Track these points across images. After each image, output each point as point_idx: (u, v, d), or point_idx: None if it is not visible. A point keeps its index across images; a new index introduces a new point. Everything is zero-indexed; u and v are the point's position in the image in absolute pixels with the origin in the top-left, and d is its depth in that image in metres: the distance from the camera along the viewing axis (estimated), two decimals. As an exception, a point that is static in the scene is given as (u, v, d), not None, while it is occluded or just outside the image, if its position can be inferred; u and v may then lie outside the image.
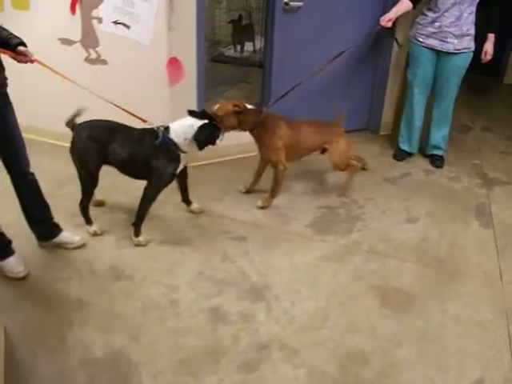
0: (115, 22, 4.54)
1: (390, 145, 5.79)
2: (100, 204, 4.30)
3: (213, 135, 3.77)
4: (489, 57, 4.98)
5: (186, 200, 4.28)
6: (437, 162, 5.42)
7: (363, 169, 5.04)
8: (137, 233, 3.87)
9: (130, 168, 3.79)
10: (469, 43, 4.83)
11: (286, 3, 4.92)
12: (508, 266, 3.86)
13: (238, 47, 8.72)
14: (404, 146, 5.53)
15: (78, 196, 3.89)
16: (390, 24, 4.93)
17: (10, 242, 3.49)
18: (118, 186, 4.18)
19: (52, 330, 3.10)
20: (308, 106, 5.19)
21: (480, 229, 4.35)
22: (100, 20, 4.60)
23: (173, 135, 3.66)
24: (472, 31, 4.79)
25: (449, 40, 4.77)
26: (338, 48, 4.84)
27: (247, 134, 4.22)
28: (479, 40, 4.90)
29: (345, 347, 3.06)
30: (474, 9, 4.70)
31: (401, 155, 5.52)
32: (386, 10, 5.18)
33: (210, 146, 3.80)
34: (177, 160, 3.73)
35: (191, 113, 3.77)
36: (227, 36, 8.87)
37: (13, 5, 4.76)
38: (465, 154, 5.78)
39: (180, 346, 3.01)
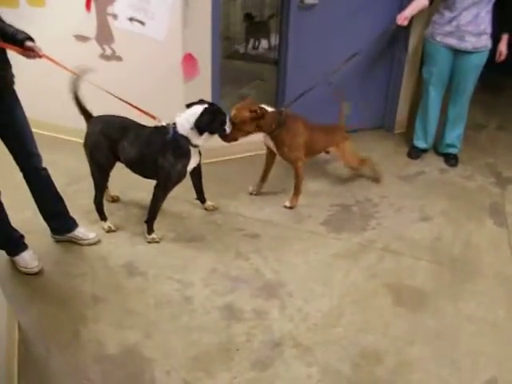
0: (130, 19, 4.55)
1: (404, 143, 5.77)
2: (115, 200, 4.32)
3: (214, 120, 3.69)
4: (503, 57, 4.96)
5: (201, 198, 4.29)
6: (451, 160, 5.39)
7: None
8: (150, 230, 3.88)
9: (139, 167, 3.79)
10: (486, 42, 4.80)
11: (301, 1, 4.90)
12: (522, 266, 3.85)
13: (251, 44, 8.76)
14: (418, 144, 5.51)
15: (93, 192, 3.91)
16: (406, 22, 4.91)
17: (22, 236, 3.51)
18: (132, 182, 4.17)
19: (66, 325, 3.12)
20: (322, 104, 5.18)
21: (494, 227, 4.33)
22: (115, 16, 4.60)
23: (179, 128, 3.64)
24: (489, 30, 4.76)
25: (467, 39, 4.74)
26: (353, 45, 4.82)
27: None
28: (494, 38, 4.87)
29: (358, 345, 3.06)
30: (490, 7, 4.66)
31: (415, 153, 5.50)
32: (402, 6, 5.16)
33: (222, 142, 3.80)
34: (187, 156, 3.70)
35: (189, 105, 3.77)
36: (242, 33, 8.90)
37: (28, 1, 4.77)
38: (479, 152, 5.75)
39: (193, 343, 3.02)
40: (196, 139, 3.68)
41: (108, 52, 4.77)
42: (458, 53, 4.86)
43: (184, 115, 3.68)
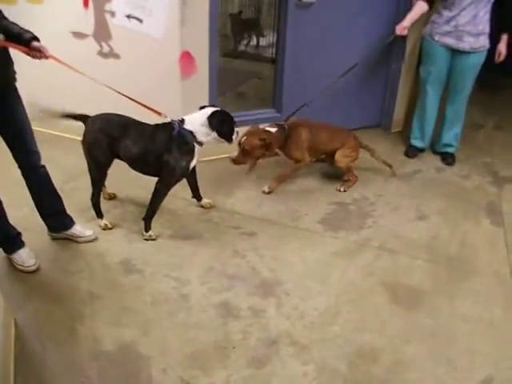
0: (128, 16, 4.55)
1: (401, 142, 5.79)
2: (111, 197, 4.32)
3: (227, 122, 3.78)
4: (502, 57, 4.97)
5: (197, 196, 4.29)
6: (448, 159, 5.40)
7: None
8: (147, 228, 3.88)
9: (141, 164, 3.78)
10: (484, 42, 4.80)
11: (299, -1, 4.91)
12: (518, 265, 3.85)
13: (243, 41, 8.82)
14: (415, 143, 5.52)
15: (89, 190, 3.90)
16: (406, 32, 4.95)
17: (19, 234, 3.51)
18: (129, 180, 4.18)
19: (63, 322, 3.11)
20: (321, 103, 5.19)
21: (491, 227, 4.33)
22: (113, 14, 4.61)
23: (188, 125, 3.67)
24: (487, 29, 4.77)
25: (465, 39, 4.74)
26: (350, 44, 4.85)
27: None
28: (492, 38, 4.88)
29: (355, 344, 3.06)
30: (489, 7, 4.67)
31: (412, 152, 5.51)
32: (399, 5, 5.17)
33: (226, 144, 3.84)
34: (191, 153, 3.74)
35: (202, 107, 3.83)
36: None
37: (27, -3, 4.77)
38: (476, 152, 5.76)
39: (190, 341, 3.02)
40: (203, 136, 3.72)
41: (106, 49, 4.77)
42: (455, 52, 4.87)
43: (196, 113, 3.76)
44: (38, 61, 3.20)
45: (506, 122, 6.76)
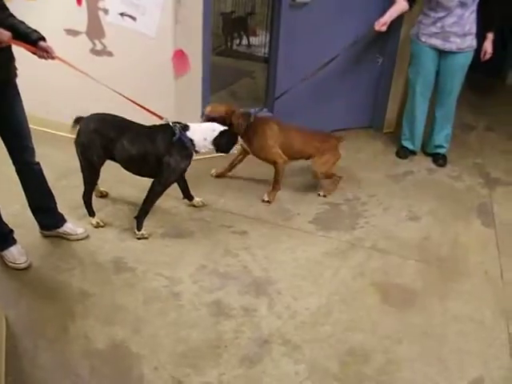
0: (121, 14, 4.54)
1: (393, 142, 5.79)
2: (103, 195, 4.31)
3: (230, 142, 3.85)
4: (488, 56, 4.98)
5: (188, 196, 4.29)
6: (439, 160, 5.42)
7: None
8: (139, 227, 3.87)
9: (139, 165, 3.77)
10: (471, 42, 4.82)
11: (293, -1, 4.91)
12: (509, 266, 3.87)
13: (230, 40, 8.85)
14: (407, 144, 5.53)
15: (81, 188, 3.89)
16: (384, 28, 4.89)
17: (11, 231, 3.49)
18: (121, 178, 4.17)
19: (54, 320, 3.11)
20: (312, 103, 5.20)
21: (482, 228, 4.35)
22: (106, 11, 4.59)
23: (191, 134, 3.70)
24: (474, 30, 4.78)
25: (451, 39, 4.76)
26: (343, 44, 4.83)
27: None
28: (481, 38, 4.90)
29: (346, 343, 3.07)
30: (475, 7, 4.68)
31: (404, 153, 5.52)
32: (392, 4, 5.18)
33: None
34: (189, 158, 3.77)
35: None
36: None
37: (20, -6, 4.75)
38: (467, 153, 5.78)
39: (181, 339, 3.02)
40: (202, 148, 3.77)
41: (99, 47, 4.76)
42: (443, 53, 4.88)
43: (203, 126, 3.83)
44: (24, 57, 3.22)
45: (497, 123, 6.78)
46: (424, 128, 5.45)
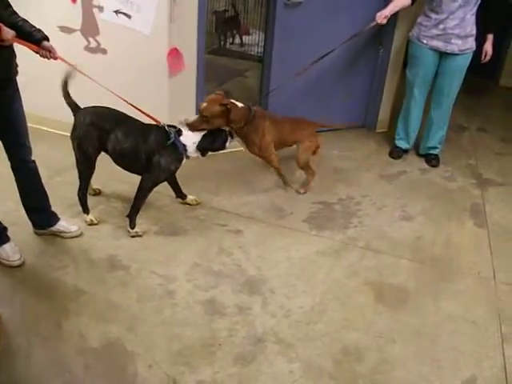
0: (116, 12, 4.53)
1: (386, 142, 5.81)
2: (96, 193, 4.30)
3: (215, 141, 3.84)
4: (488, 57, 5.01)
5: (181, 195, 4.28)
6: (432, 161, 5.43)
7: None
8: (132, 225, 3.86)
9: (129, 160, 3.77)
10: (471, 44, 4.84)
11: (287, -2, 4.91)
12: (501, 266, 3.89)
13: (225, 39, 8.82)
14: (400, 144, 5.54)
15: (76, 185, 3.89)
16: (385, 21, 4.88)
17: (5, 228, 3.48)
18: (114, 176, 4.17)
19: (48, 318, 3.10)
20: (305, 102, 5.21)
21: (474, 228, 4.38)
22: (101, 9, 4.58)
23: (184, 139, 3.72)
24: (474, 31, 4.80)
25: (453, 41, 4.77)
26: (338, 43, 4.84)
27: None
28: (477, 40, 4.91)
29: (340, 342, 3.08)
30: (475, 9, 4.70)
31: (397, 153, 5.53)
32: (386, 5, 5.19)
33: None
34: (180, 161, 3.78)
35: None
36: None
37: (14, -9, 4.73)
38: (460, 153, 5.80)
39: (176, 337, 3.02)
40: (193, 153, 3.79)
41: (93, 44, 4.75)
42: (443, 55, 4.89)
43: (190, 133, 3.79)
44: (28, 54, 3.21)
45: (490, 124, 6.81)
46: (419, 128, 5.47)
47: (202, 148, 3.79)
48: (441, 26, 4.75)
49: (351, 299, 3.45)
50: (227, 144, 3.92)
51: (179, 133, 3.73)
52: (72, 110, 3.76)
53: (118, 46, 4.70)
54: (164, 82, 4.67)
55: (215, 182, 4.66)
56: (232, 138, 3.95)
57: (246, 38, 8.88)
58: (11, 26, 3.05)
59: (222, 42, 8.79)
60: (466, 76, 5.05)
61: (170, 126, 3.74)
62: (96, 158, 3.81)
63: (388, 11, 4.85)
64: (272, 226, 4.17)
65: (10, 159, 3.42)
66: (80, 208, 3.96)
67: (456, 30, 4.71)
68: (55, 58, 3.30)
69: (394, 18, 5.01)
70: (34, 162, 3.50)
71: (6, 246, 3.47)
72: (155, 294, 3.34)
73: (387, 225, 4.31)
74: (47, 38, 3.25)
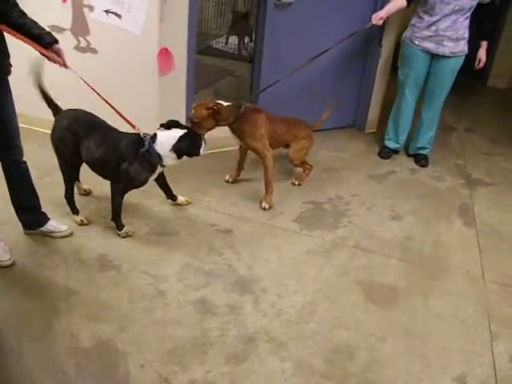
0: (107, 11, 4.53)
1: (375, 142, 5.84)
2: (87, 193, 4.30)
3: (192, 145, 3.71)
4: (482, 64, 5.06)
5: (171, 197, 4.26)
6: (421, 161, 5.47)
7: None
8: (119, 227, 3.86)
9: (100, 168, 3.77)
10: (463, 47, 4.88)
11: (278, -1, 4.92)
12: (490, 265, 3.92)
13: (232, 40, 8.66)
14: (389, 144, 5.57)
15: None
16: (381, 22, 4.92)
17: (-5, 228, 3.48)
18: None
19: (39, 317, 3.10)
20: (295, 101, 5.22)
21: (463, 228, 4.41)
22: (91, 8, 4.58)
23: (158, 146, 3.61)
24: (466, 34, 4.84)
25: (445, 43, 4.80)
26: (328, 44, 4.86)
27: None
28: (469, 43, 4.94)
29: (331, 341, 3.09)
30: (469, 14, 4.73)
31: (386, 153, 5.56)
32: (377, 5, 5.23)
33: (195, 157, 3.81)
34: (152, 171, 3.73)
35: (162, 125, 3.75)
36: (215, 29, 8.88)
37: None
38: (449, 154, 5.85)
39: (167, 337, 3.02)
40: (170, 160, 3.69)
41: (83, 44, 4.74)
42: (435, 57, 4.92)
43: (165, 136, 3.65)
44: (18, 53, 3.22)
45: (478, 125, 6.88)
46: (409, 130, 5.50)
47: (178, 150, 3.63)
48: (433, 28, 4.78)
49: (342, 298, 3.46)
50: (201, 150, 3.79)
51: (153, 139, 3.62)
52: (52, 112, 3.76)
53: (108, 46, 4.70)
54: (154, 82, 4.67)
55: (206, 182, 4.66)
56: (205, 144, 3.82)
57: (234, 38, 8.86)
58: (18, 28, 3.06)
59: (242, 44, 8.64)
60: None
61: (145, 134, 3.67)
62: (76, 161, 3.82)
63: (384, 13, 4.89)
64: (262, 226, 4.17)
65: (1, 160, 3.42)
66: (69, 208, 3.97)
67: (448, 32, 4.74)
68: (65, 67, 3.36)
69: (386, 19, 5.02)
70: (25, 162, 3.49)
71: (-4, 246, 3.46)
72: (146, 294, 3.34)
73: (376, 224, 4.33)
74: (57, 41, 3.26)
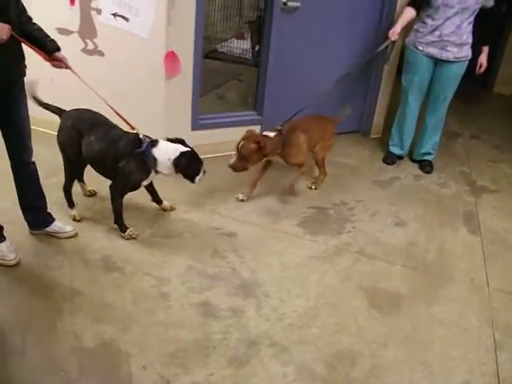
0: (114, 15, 4.54)
1: (380, 148, 5.85)
2: (92, 194, 4.32)
3: (192, 165, 3.71)
4: (483, 69, 5.06)
5: (156, 200, 4.23)
6: (426, 167, 5.47)
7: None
8: (122, 229, 3.87)
9: (98, 165, 3.80)
10: (467, 52, 4.89)
11: (284, 3, 4.92)
12: (494, 273, 3.92)
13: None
14: (394, 150, 5.57)
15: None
16: (397, 37, 4.98)
17: (1, 227, 3.48)
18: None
19: (43, 317, 3.10)
20: (301, 107, 5.22)
21: (468, 235, 4.41)
22: (99, 11, 4.59)
23: (157, 152, 3.62)
24: (470, 40, 4.85)
25: (449, 49, 4.81)
26: (334, 49, 4.88)
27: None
28: (472, 49, 4.95)
29: (333, 347, 3.09)
30: (472, 18, 4.74)
31: (391, 159, 5.56)
32: (383, 11, 5.24)
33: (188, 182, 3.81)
34: (146, 174, 3.72)
35: (169, 139, 3.76)
36: (219, 33, 8.86)
37: (12, -8, 4.73)
38: (453, 160, 5.85)
39: (170, 339, 3.03)
40: (164, 169, 3.68)
41: (90, 46, 4.76)
42: (438, 62, 4.93)
43: (169, 146, 3.68)
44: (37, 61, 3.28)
45: (483, 132, 6.87)
46: (413, 135, 5.50)
47: (177, 164, 3.63)
48: (437, 33, 4.79)
49: (344, 304, 3.47)
50: (197, 178, 3.77)
51: (153, 144, 3.63)
52: (56, 114, 3.82)
53: (116, 49, 4.70)
54: (160, 85, 4.67)
55: (209, 185, 4.65)
56: (204, 175, 3.82)
57: (240, 42, 8.84)
58: (26, 34, 3.13)
59: (254, 51, 8.60)
60: (459, 83, 5.09)
61: (146, 136, 3.67)
62: (79, 161, 3.85)
63: (399, 27, 4.93)
64: (266, 230, 4.18)
65: (10, 159, 3.44)
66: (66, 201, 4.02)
67: (452, 37, 4.75)
68: (67, 68, 3.41)
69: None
70: (34, 163, 3.53)
71: (2, 245, 3.47)
72: (149, 296, 3.34)
73: (380, 230, 4.33)
74: (59, 49, 3.35)
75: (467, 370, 3.03)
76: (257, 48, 8.31)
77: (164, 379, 2.77)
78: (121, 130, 3.75)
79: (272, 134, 4.20)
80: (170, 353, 2.94)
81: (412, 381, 2.92)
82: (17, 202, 3.65)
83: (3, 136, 3.34)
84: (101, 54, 4.77)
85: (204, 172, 3.81)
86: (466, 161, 5.90)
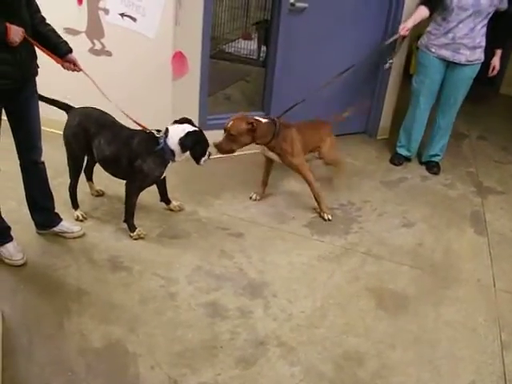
0: (122, 15, 4.55)
1: (387, 149, 5.84)
2: (99, 194, 4.33)
3: (198, 144, 3.71)
4: (496, 72, 5.06)
5: (165, 200, 4.25)
6: (433, 168, 5.46)
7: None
8: (131, 228, 3.88)
9: (112, 166, 3.80)
10: (480, 55, 4.87)
11: (292, 4, 4.92)
12: (501, 274, 3.91)
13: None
14: (401, 151, 5.57)
15: (78, 187, 3.97)
16: (407, 33, 4.96)
17: (8, 228, 3.49)
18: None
19: (50, 317, 3.11)
20: (307, 108, 5.21)
21: (474, 236, 4.40)
22: (106, 11, 4.60)
23: (170, 141, 3.64)
24: (483, 43, 4.83)
25: (461, 51, 4.80)
26: (342, 50, 4.87)
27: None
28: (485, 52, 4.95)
29: (341, 347, 3.09)
30: (486, 21, 4.73)
31: (398, 160, 5.55)
32: (391, 13, 5.22)
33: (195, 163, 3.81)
34: (165, 166, 3.74)
35: (176, 121, 3.78)
36: (227, 34, 8.88)
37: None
38: (460, 161, 5.85)
39: (177, 339, 3.03)
40: (179, 156, 3.71)
41: (98, 46, 4.77)
42: (450, 65, 4.92)
43: (176, 129, 3.68)
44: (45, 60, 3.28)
45: (490, 132, 6.86)
46: (422, 137, 5.49)
47: (183, 144, 3.63)
48: (450, 35, 4.77)
49: (352, 304, 3.47)
50: (203, 159, 3.77)
51: (167, 134, 3.66)
52: (64, 110, 3.83)
53: (123, 49, 4.72)
54: (168, 85, 4.68)
55: (217, 186, 4.67)
56: (209, 157, 3.82)
57: (246, 43, 8.85)
58: (39, 35, 3.13)
59: (260, 53, 8.62)
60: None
61: (158, 130, 3.70)
62: (83, 158, 3.89)
63: (410, 23, 4.89)
64: (274, 231, 4.18)
65: (20, 159, 3.45)
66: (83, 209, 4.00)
67: (465, 39, 4.73)
68: (78, 70, 3.42)
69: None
70: (43, 163, 3.54)
71: (9, 245, 3.48)
72: (157, 296, 3.35)
73: (387, 231, 4.33)
74: (71, 51, 3.35)
75: (474, 370, 3.03)
76: (263, 49, 8.36)
77: (172, 379, 2.77)
78: (129, 129, 3.75)
79: (264, 121, 4.12)
80: (178, 353, 2.94)
81: (419, 381, 2.92)
82: (23, 202, 3.66)
83: (13, 135, 3.35)
84: (108, 54, 4.78)
85: (209, 154, 3.81)
86: (473, 162, 5.89)
